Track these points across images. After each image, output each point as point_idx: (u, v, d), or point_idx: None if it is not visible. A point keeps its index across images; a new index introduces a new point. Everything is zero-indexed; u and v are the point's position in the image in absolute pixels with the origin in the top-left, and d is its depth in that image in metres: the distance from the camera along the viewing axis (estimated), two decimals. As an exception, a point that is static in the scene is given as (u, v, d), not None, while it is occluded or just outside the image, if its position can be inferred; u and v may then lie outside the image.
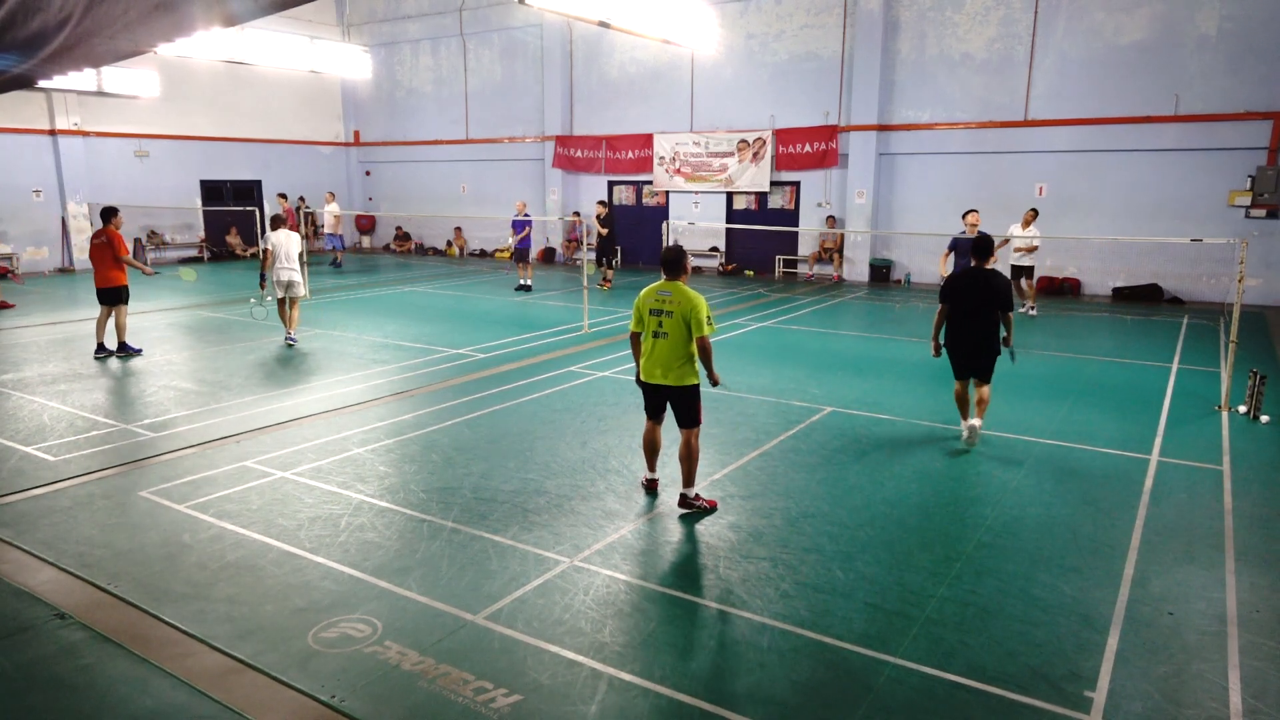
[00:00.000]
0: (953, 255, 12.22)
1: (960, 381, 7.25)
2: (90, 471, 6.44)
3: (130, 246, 21.09)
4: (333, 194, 22.15)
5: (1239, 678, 3.83)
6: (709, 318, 5.51)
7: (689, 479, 5.71)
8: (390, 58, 25.30)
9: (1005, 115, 16.83)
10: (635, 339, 5.83)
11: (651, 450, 6.02)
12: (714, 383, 5.70)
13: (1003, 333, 7.06)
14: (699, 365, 5.63)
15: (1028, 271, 14.25)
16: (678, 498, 5.76)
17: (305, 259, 17.08)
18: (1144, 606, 4.47)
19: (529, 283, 17.17)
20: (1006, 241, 13.59)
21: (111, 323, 10.56)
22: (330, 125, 26.36)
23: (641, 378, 5.79)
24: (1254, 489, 6.17)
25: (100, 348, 10.51)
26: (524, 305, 15.25)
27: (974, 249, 7.10)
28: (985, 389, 7.11)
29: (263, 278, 11.22)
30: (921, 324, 13.40)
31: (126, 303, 10.58)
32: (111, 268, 10.42)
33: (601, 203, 18.30)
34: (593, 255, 17.92)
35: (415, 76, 25.08)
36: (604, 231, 17.60)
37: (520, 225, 16.97)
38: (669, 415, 5.84)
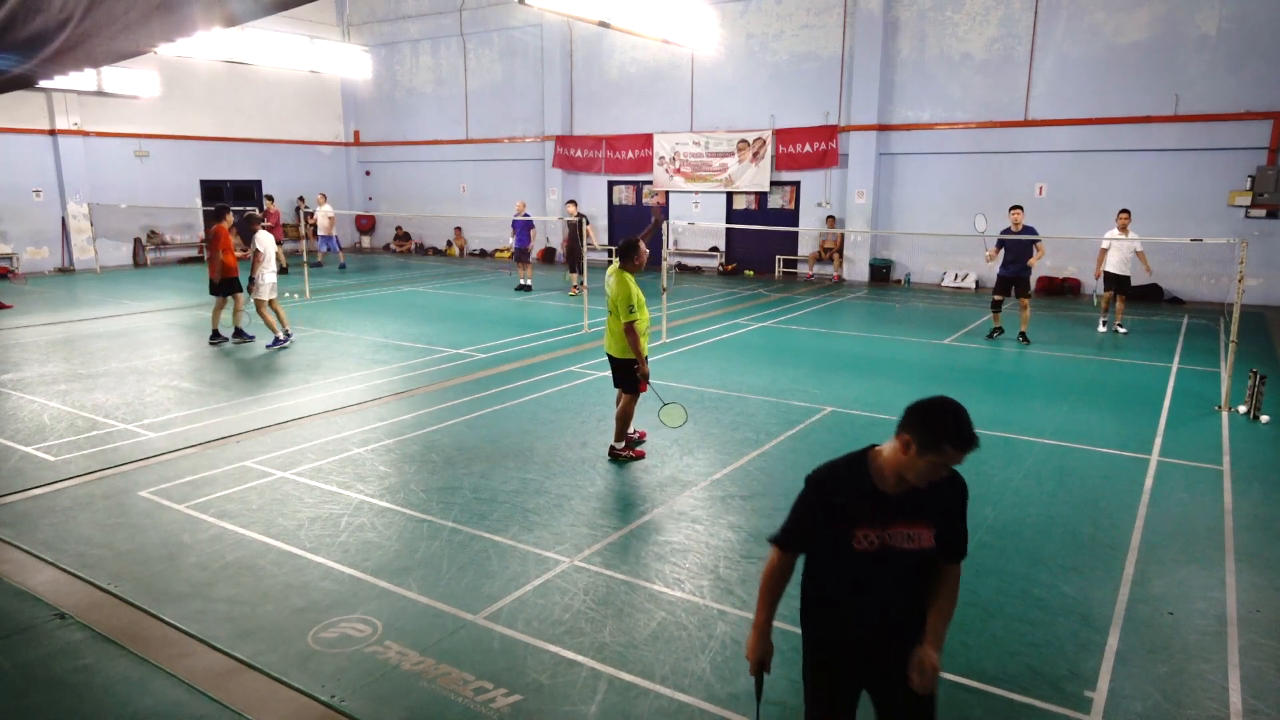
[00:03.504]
0: (1002, 253, 11.50)
1: None
2: (90, 471, 6.44)
3: (133, 246, 21.42)
4: (324, 195, 22.11)
5: (1239, 678, 3.83)
6: (632, 306, 6.26)
7: (617, 435, 6.72)
8: (390, 58, 25.30)
9: (1005, 115, 16.82)
10: None
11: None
12: (641, 373, 6.40)
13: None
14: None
15: (1125, 283, 12.21)
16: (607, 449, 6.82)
17: (306, 259, 17.15)
18: (1144, 606, 4.47)
19: (529, 283, 17.17)
20: (1105, 252, 12.15)
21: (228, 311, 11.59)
22: (330, 125, 26.36)
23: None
24: (1254, 489, 6.17)
25: (215, 335, 11.40)
26: (524, 305, 15.25)
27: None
28: None
29: (253, 281, 11.05)
30: (922, 324, 13.37)
31: (233, 293, 11.41)
32: (212, 261, 11.31)
33: (571, 203, 17.19)
34: (600, 253, 17.59)
35: (415, 76, 25.08)
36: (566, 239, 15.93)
37: (521, 225, 16.96)
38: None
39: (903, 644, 2.59)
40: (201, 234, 22.83)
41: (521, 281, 17.17)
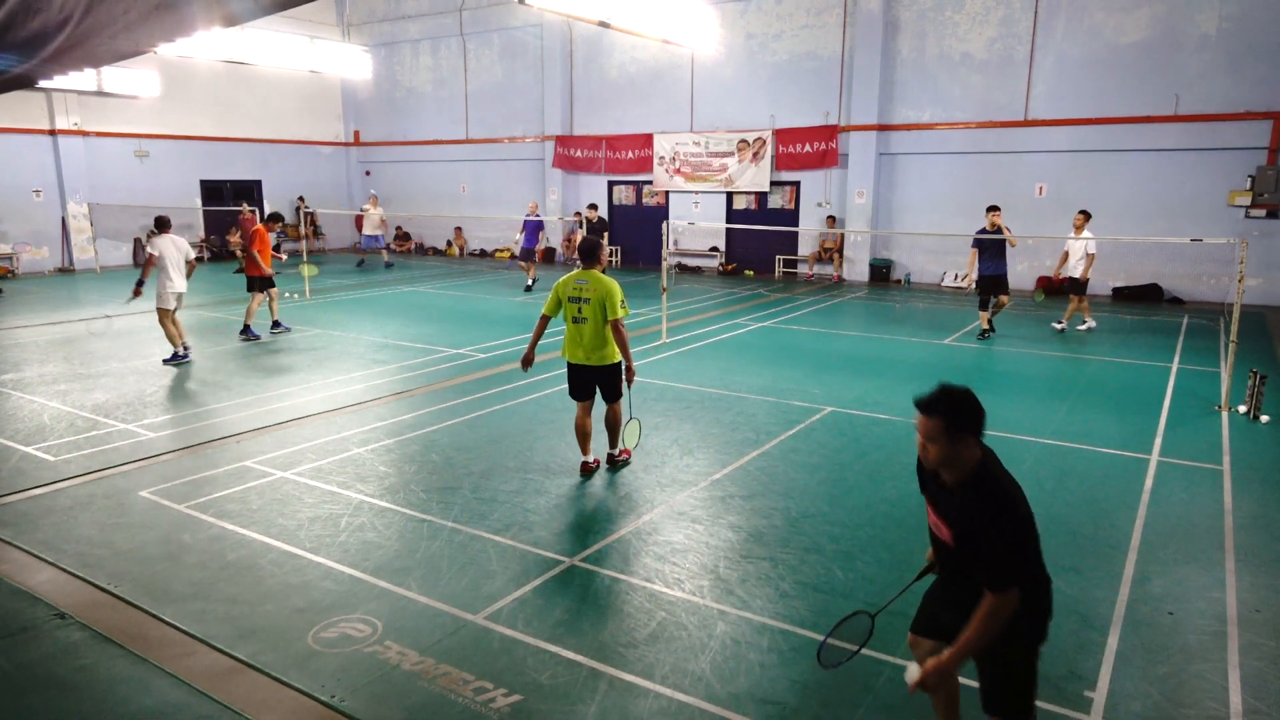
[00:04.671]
0: (978, 255, 11.80)
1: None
2: (90, 471, 6.44)
3: (132, 246, 21.41)
4: (375, 198, 22.51)
5: (1239, 678, 3.83)
6: (622, 302, 6.03)
7: (613, 442, 6.53)
8: (390, 58, 25.30)
9: (1005, 115, 16.82)
10: (544, 321, 6.29)
11: (583, 436, 6.39)
12: (628, 378, 6.17)
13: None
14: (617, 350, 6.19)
15: (1078, 285, 12.23)
16: (605, 457, 6.59)
17: (307, 259, 17.14)
18: (1144, 606, 4.47)
19: (531, 282, 17.16)
20: (1067, 256, 12.26)
21: (258, 304, 11.95)
22: (330, 125, 26.36)
23: (566, 358, 6.30)
24: (1254, 489, 6.17)
25: (275, 324, 12.27)
26: (524, 305, 15.25)
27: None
28: None
29: (140, 284, 9.98)
30: (922, 324, 13.38)
31: (257, 291, 11.88)
32: (250, 259, 11.92)
33: (592, 206, 17.51)
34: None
35: (415, 76, 25.07)
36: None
37: (532, 225, 16.96)
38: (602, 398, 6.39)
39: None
40: (202, 234, 22.84)
41: (529, 281, 17.17)
